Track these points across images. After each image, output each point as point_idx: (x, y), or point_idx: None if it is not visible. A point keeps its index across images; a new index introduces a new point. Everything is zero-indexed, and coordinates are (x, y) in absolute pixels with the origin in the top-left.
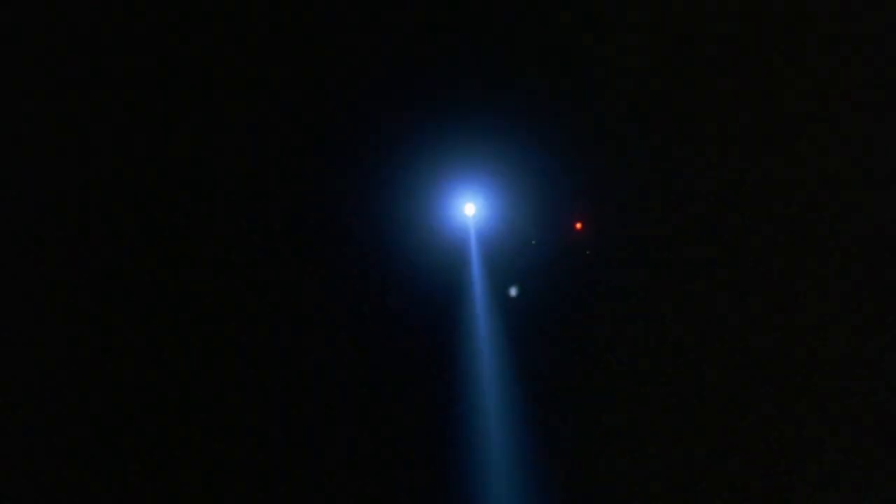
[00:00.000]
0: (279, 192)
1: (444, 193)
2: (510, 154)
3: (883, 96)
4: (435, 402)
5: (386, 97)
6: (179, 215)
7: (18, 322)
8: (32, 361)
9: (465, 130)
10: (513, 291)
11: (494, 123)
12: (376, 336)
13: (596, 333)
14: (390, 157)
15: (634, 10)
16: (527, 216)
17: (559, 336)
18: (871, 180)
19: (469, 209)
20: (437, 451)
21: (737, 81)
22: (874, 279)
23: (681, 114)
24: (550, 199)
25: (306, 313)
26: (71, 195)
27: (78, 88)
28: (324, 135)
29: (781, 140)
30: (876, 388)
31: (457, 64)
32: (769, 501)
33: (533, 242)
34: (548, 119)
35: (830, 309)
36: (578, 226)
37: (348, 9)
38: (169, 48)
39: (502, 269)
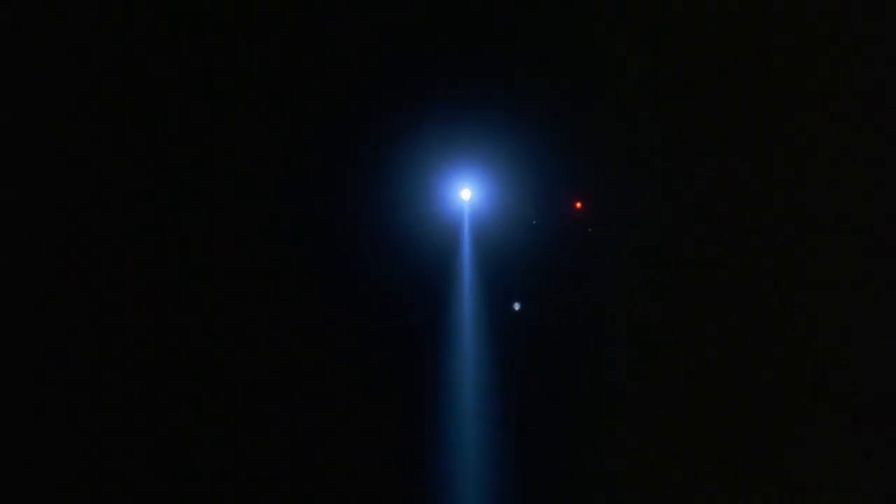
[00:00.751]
0: (275, 182)
1: (441, 179)
2: (508, 140)
3: (883, 96)
4: (426, 389)
5: (384, 87)
6: (178, 211)
7: (18, 322)
8: (32, 361)
9: (463, 118)
10: (516, 306)
11: (493, 112)
12: (368, 322)
13: (592, 322)
14: (387, 145)
15: (634, 10)
16: (524, 201)
17: (555, 326)
18: (871, 180)
19: (465, 194)
20: (428, 440)
21: (737, 81)
22: (874, 279)
23: (680, 113)
24: (548, 185)
25: (300, 299)
26: (71, 195)
27: (77, 88)
28: (322, 126)
29: (781, 140)
30: (876, 388)
31: (456, 56)
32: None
33: (534, 223)
34: (546, 110)
35: (829, 307)
36: (578, 205)
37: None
38: (169, 47)
39: (497, 256)
